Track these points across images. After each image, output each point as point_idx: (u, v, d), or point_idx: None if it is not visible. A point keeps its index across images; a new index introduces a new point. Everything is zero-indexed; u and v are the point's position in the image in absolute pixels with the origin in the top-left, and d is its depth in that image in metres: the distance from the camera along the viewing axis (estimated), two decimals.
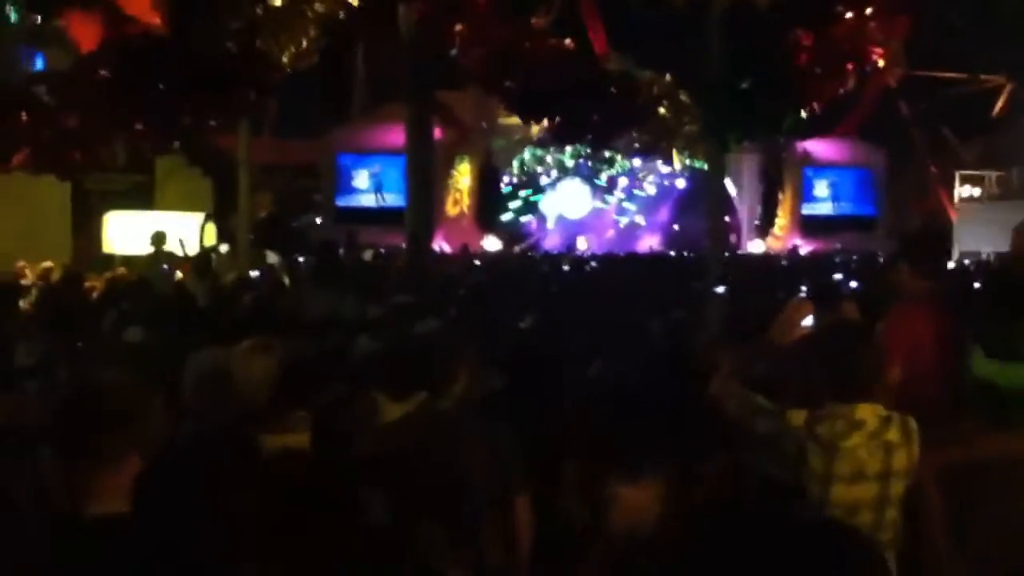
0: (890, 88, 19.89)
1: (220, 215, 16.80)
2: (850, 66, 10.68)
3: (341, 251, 8.88)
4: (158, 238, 11.55)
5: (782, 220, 24.60)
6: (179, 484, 2.53)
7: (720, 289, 8.31)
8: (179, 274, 10.91)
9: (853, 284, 11.31)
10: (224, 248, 15.25)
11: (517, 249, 23.40)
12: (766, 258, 19.31)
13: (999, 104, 19.46)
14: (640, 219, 26.67)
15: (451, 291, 8.52)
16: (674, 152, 19.15)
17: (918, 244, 4.56)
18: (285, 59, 10.00)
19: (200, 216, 15.68)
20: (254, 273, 11.75)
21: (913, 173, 23.56)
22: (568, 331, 5.37)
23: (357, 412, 3.52)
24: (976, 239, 18.17)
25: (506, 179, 25.69)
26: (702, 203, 24.52)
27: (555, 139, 21.12)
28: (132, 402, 2.24)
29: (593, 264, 15.10)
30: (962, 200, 22.58)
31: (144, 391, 2.32)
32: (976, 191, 22.73)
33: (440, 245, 21.35)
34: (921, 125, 21.71)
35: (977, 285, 8.58)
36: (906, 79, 19.39)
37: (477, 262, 14.62)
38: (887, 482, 2.86)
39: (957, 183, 22.91)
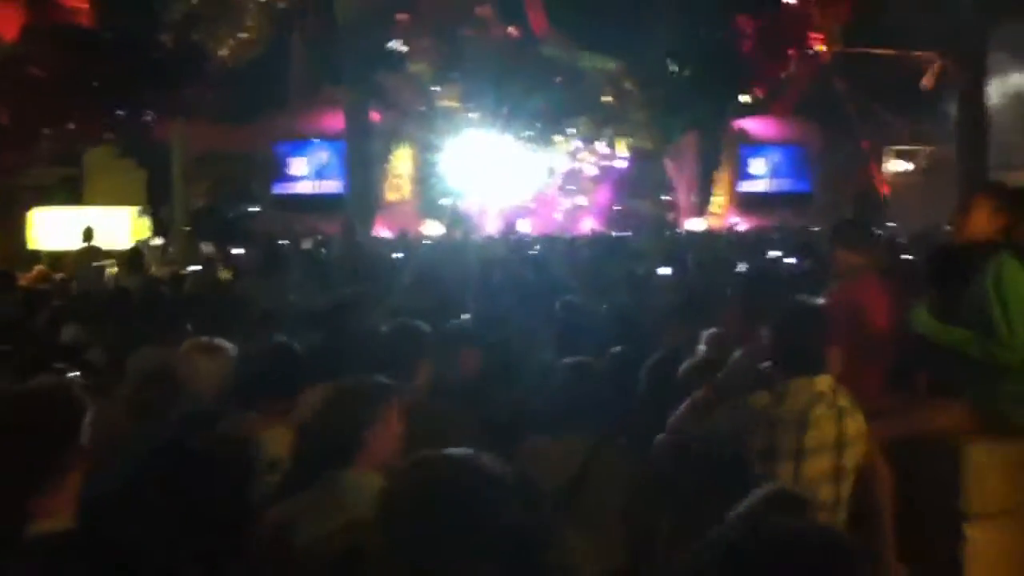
0: (824, 65, 20.20)
1: (153, 207, 16.36)
2: (791, 51, 10.85)
3: (284, 242, 8.71)
4: (87, 233, 11.18)
5: (720, 198, 24.86)
6: (130, 496, 2.42)
7: (666, 271, 8.34)
8: (111, 270, 10.58)
9: (790, 260, 11.50)
10: (158, 241, 14.86)
11: (459, 234, 23.26)
12: (709, 236, 19.51)
13: (927, 79, 19.89)
14: (581, 201, 26.72)
15: (393, 278, 8.41)
16: (618, 138, 19.26)
17: (847, 226, 4.75)
18: (224, 52, 9.72)
19: (132, 210, 15.22)
20: (192, 267, 11.45)
21: (846, 149, 23.99)
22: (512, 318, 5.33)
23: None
24: (908, 212, 18.61)
25: (446, 164, 25.48)
26: (642, 184, 24.76)
27: (501, 125, 21.07)
28: (71, 409, 2.11)
29: (536, 248, 15.06)
30: (894, 175, 23.12)
31: (83, 396, 2.19)
32: (908, 166, 23.30)
33: (381, 231, 21.12)
34: (854, 101, 22.10)
35: (908, 256, 8.78)
36: (839, 56, 19.71)
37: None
38: (841, 451, 2.91)
39: (889, 158, 23.44)
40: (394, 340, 3.67)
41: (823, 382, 2.93)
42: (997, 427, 3.61)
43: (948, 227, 7.79)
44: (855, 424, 2.96)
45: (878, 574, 3.34)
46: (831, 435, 2.89)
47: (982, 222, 3.83)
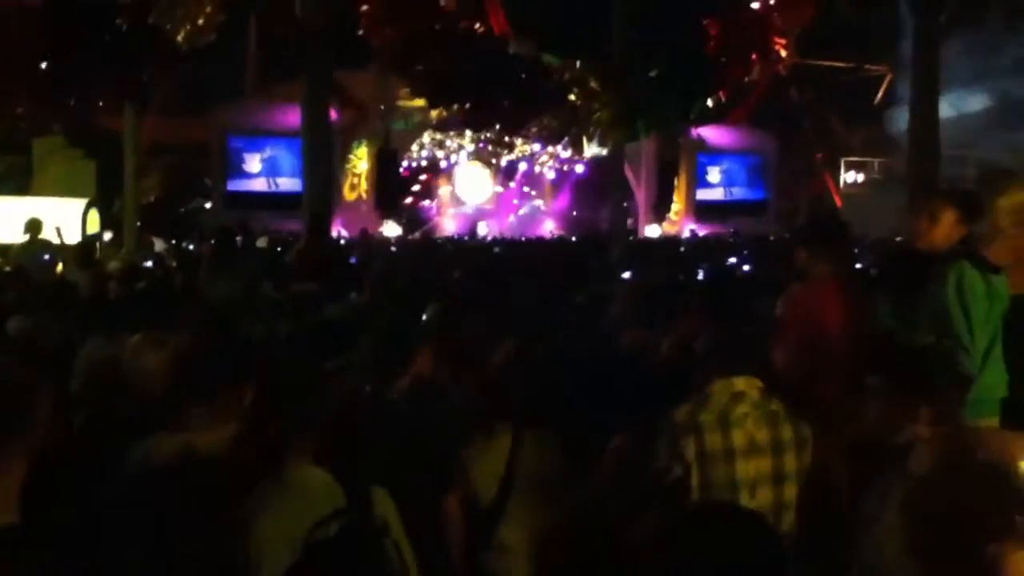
0: (780, 76, 20.49)
1: (104, 200, 15.96)
2: (754, 55, 10.98)
3: (239, 238, 8.52)
4: (33, 225, 10.82)
5: (677, 205, 25.11)
6: (76, 490, 2.32)
7: (626, 275, 8.35)
8: (60, 265, 10.27)
9: (746, 267, 11.63)
10: (108, 236, 14.51)
11: (417, 234, 23.14)
12: (667, 242, 19.65)
13: (881, 92, 20.31)
14: (540, 204, 26.80)
15: (355, 277, 8.30)
16: (583, 139, 19.24)
17: (814, 228, 4.66)
18: (180, 37, 9.49)
19: (82, 202, 14.83)
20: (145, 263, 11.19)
21: (801, 159, 24.39)
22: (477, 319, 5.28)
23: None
24: (861, 223, 18.92)
25: (405, 163, 25.37)
26: (602, 189, 24.88)
27: (465, 124, 20.94)
28: (17, 396, 1.98)
29: (496, 249, 15.03)
30: (847, 185, 23.54)
31: (30, 383, 2.07)
32: (860, 177, 23.74)
33: (338, 231, 20.91)
34: (809, 112, 22.46)
35: (859, 265, 8.91)
36: (795, 67, 20.01)
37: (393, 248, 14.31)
38: (780, 456, 2.90)
39: (842, 169, 23.88)
40: (391, 339, 3.68)
41: (741, 382, 2.92)
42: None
43: (899, 238, 7.87)
44: (794, 430, 2.96)
45: None
46: (764, 438, 2.89)
47: (947, 230, 3.88)
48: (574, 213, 26.37)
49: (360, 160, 23.82)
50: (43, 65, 8.41)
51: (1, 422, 1.94)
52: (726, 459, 2.84)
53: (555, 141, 23.37)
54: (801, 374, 4.24)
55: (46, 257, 10.27)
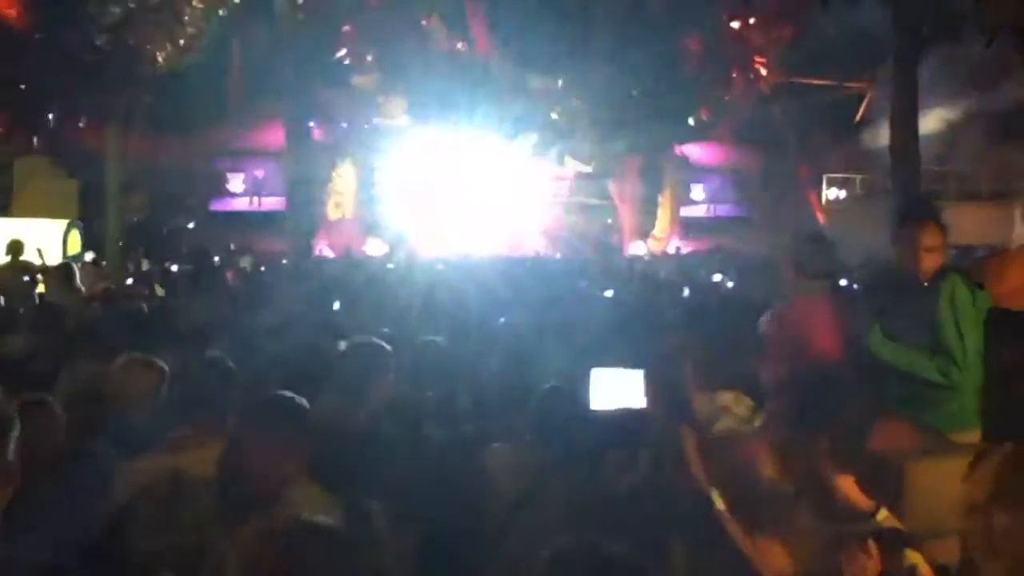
0: (763, 93, 20.68)
1: (87, 221, 15.86)
2: (735, 73, 11.08)
3: (217, 258, 8.50)
4: (14, 247, 10.74)
5: (662, 222, 25.19)
6: (57, 513, 2.30)
7: (609, 293, 8.36)
8: (41, 286, 10.18)
9: (730, 284, 11.68)
10: (90, 256, 14.41)
11: (403, 253, 23.08)
12: (653, 259, 19.71)
13: (862, 109, 20.51)
14: (526, 221, 26.77)
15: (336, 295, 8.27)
16: (567, 155, 19.29)
17: (805, 247, 4.61)
18: (161, 57, 9.49)
19: (63, 223, 14.72)
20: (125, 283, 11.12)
21: (784, 175, 24.54)
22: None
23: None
24: (843, 238, 19.03)
25: (389, 181, 25.31)
26: (587, 206, 24.94)
27: (447, 142, 20.98)
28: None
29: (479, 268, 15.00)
30: (829, 201, 23.71)
31: (10, 413, 2.06)
32: (842, 193, 23.91)
33: (322, 249, 20.86)
34: (792, 129, 22.64)
35: (843, 282, 8.94)
36: (777, 85, 20.20)
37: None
38: None
39: (824, 185, 24.05)
40: (356, 359, 3.65)
41: (726, 397, 2.91)
42: (937, 445, 3.66)
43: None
44: None
45: None
46: None
47: (940, 255, 3.92)
48: (559, 229, 26.38)
49: (344, 179, 23.79)
50: (21, 85, 8.37)
51: None
52: None
53: (539, 156, 23.45)
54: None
55: (25, 278, 10.18)
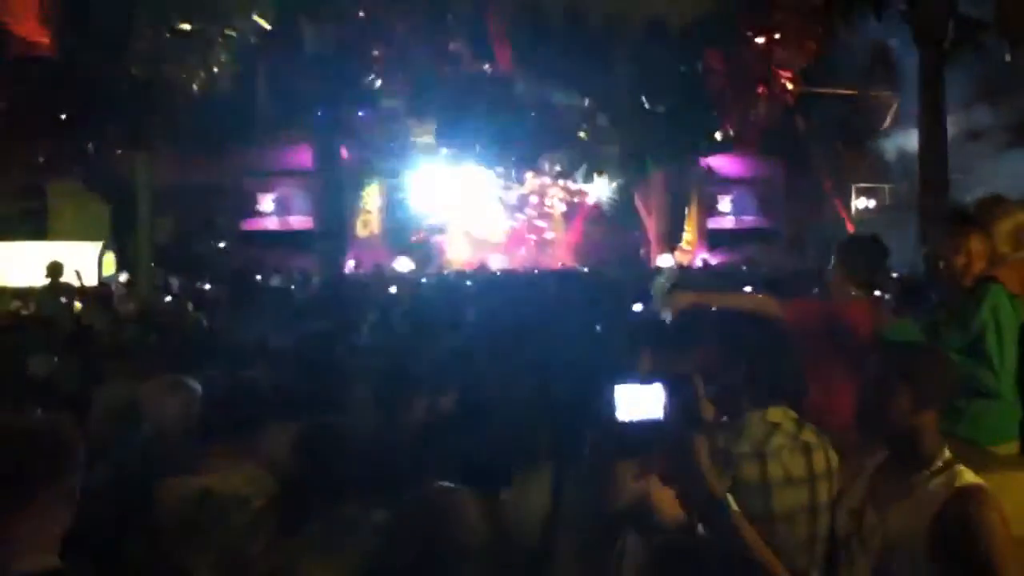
0: (788, 104, 20.60)
1: (119, 242, 16.12)
2: (761, 88, 11.08)
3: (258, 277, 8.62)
4: (54, 269, 10.97)
5: (688, 235, 25.14)
6: (112, 533, 2.35)
7: (638, 307, 8.31)
8: (78, 306, 10.37)
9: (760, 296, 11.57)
10: (124, 277, 14.64)
11: (431, 269, 23.22)
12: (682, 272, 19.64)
13: (888, 119, 20.36)
14: (551, 236, 26.84)
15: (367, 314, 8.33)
16: (594, 173, 19.33)
17: (855, 250, 4.42)
18: (195, 86, 9.68)
19: (97, 245, 14.97)
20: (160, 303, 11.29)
21: (810, 186, 24.41)
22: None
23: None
24: None
25: (417, 200, 25.50)
26: (613, 220, 24.95)
27: (478, 161, 21.15)
28: (63, 443, 2.06)
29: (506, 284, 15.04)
30: (858, 212, 23.52)
31: (72, 431, 2.14)
32: (871, 203, 23.72)
33: (351, 267, 21.02)
34: (817, 139, 22.52)
35: (877, 293, 8.81)
36: (803, 95, 20.11)
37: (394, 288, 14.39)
38: (813, 485, 2.85)
39: (853, 195, 23.86)
40: (387, 377, 3.69)
41: (776, 414, 2.87)
42: (974, 458, 3.61)
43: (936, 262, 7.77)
44: (823, 459, 2.90)
45: None
46: (799, 468, 2.84)
47: (982, 261, 3.85)
48: (586, 244, 26.40)
49: (372, 197, 24.00)
50: (63, 116, 8.57)
51: (45, 469, 1.99)
52: (762, 493, 2.80)
53: (566, 177, 23.53)
54: (820, 396, 4.21)
55: (63, 300, 10.38)
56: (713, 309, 5.20)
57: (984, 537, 2.30)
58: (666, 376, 2.05)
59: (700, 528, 1.93)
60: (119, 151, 9.59)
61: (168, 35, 9.31)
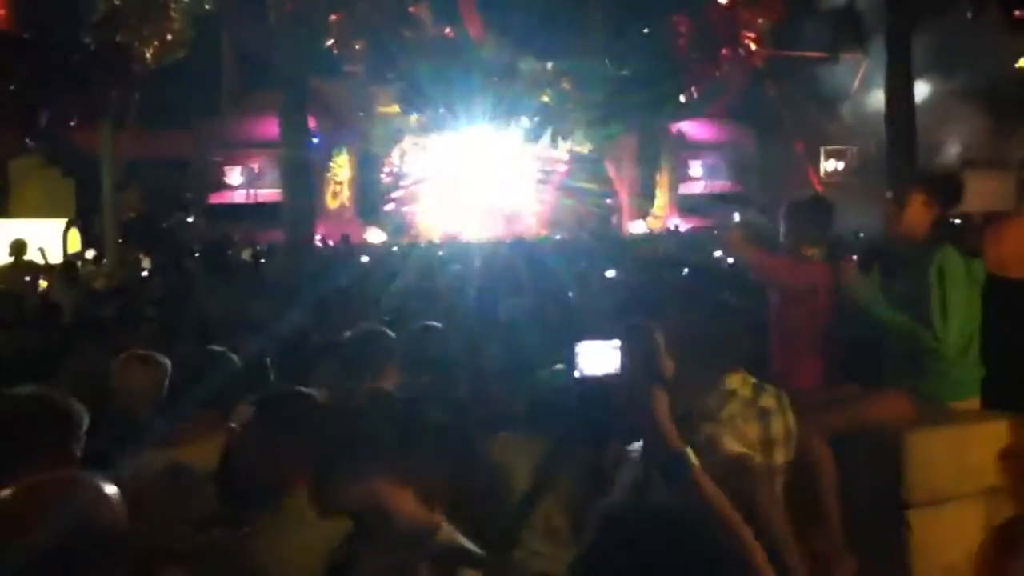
0: (756, 67, 20.59)
1: (84, 218, 15.87)
2: (725, 51, 11.04)
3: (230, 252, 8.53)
4: (17, 247, 10.79)
5: (660, 200, 25.18)
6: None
7: (611, 273, 8.37)
8: (43, 284, 10.23)
9: (731, 260, 11.66)
10: (90, 254, 14.43)
11: (404, 240, 23.12)
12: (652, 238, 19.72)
13: (857, 80, 20.43)
14: (524, 204, 26.77)
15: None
16: (558, 139, 19.25)
17: (799, 213, 4.51)
18: (149, 54, 9.48)
19: (61, 222, 14.73)
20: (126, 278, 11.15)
21: (780, 149, 24.48)
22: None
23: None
24: (841, 211, 18.99)
25: (387, 169, 25.32)
26: (584, 187, 24.92)
27: (439, 128, 20.97)
28: (67, 412, 2.27)
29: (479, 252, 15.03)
30: (827, 174, 23.65)
31: (76, 404, 2.34)
32: (840, 165, 23.86)
33: (321, 239, 20.85)
34: (786, 102, 22.57)
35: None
36: (771, 58, 20.11)
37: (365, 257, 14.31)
38: (769, 450, 2.85)
39: (822, 158, 23.98)
40: (360, 345, 3.64)
41: (734, 379, 2.86)
42: (936, 415, 3.68)
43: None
44: (781, 424, 2.90)
45: (829, 565, 3.40)
46: (752, 434, 2.82)
47: (916, 215, 3.86)
48: (557, 211, 26.37)
49: (341, 168, 23.78)
50: (11, 87, 8.36)
51: (51, 432, 2.21)
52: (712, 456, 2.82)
53: (532, 141, 23.43)
54: (785, 359, 4.27)
55: (27, 279, 10.22)
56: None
57: None
58: (626, 331, 2.05)
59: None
60: (72, 123, 9.37)
61: (119, 3, 9.09)
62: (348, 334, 3.83)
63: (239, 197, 22.60)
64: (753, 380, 2.90)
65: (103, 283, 10.46)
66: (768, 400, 2.89)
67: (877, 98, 16.04)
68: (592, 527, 1.46)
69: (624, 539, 1.41)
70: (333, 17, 11.53)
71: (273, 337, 4.97)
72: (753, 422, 2.83)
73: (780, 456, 2.88)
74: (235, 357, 3.77)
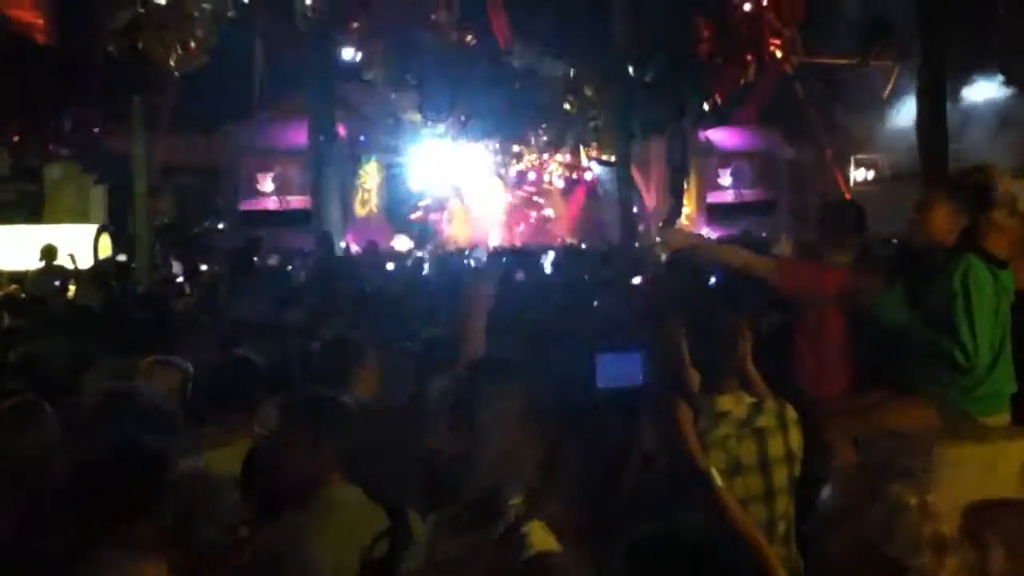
0: (785, 74, 20.41)
1: (116, 224, 16.07)
2: (750, 56, 10.95)
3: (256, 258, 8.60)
4: (48, 252, 10.96)
5: (688, 208, 25.03)
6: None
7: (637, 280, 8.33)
8: (73, 288, 10.37)
9: None
10: (121, 259, 14.61)
11: (429, 247, 23.18)
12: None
13: (889, 87, 20.20)
14: (550, 212, 26.78)
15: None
16: (580, 146, 19.19)
17: (836, 217, 4.51)
18: (172, 61, 9.60)
19: (94, 227, 14.93)
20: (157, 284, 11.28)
21: (810, 157, 24.25)
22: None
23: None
24: (872, 219, 18.76)
25: (413, 177, 25.40)
26: (611, 195, 24.84)
27: (461, 134, 21.01)
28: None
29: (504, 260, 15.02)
30: (857, 183, 23.38)
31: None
32: (870, 173, 23.57)
33: (350, 245, 20.95)
34: (816, 109, 22.35)
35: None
36: (801, 65, 19.93)
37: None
38: (769, 471, 2.78)
39: (852, 166, 23.71)
40: (327, 355, 3.67)
41: (726, 401, 2.77)
42: (963, 429, 3.60)
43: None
44: (781, 443, 2.83)
45: None
46: (748, 457, 2.75)
47: (941, 222, 3.75)
48: (584, 219, 26.34)
49: (369, 175, 23.90)
50: (34, 93, 8.52)
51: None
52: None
53: (554, 149, 23.44)
54: (813, 366, 4.22)
55: (56, 283, 10.37)
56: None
57: None
58: (649, 344, 2.03)
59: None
60: (96, 129, 9.54)
61: (141, 10, 9.22)
62: (316, 344, 3.85)
63: (271, 204, 22.76)
64: (750, 399, 2.84)
65: (137, 288, 10.58)
66: (766, 420, 2.82)
67: (909, 106, 15.84)
68: (621, 554, 1.45)
69: (652, 569, 1.39)
70: (354, 25, 11.62)
71: (298, 341, 5.01)
72: (748, 443, 2.76)
73: (782, 475, 2.80)
74: (259, 360, 3.79)
